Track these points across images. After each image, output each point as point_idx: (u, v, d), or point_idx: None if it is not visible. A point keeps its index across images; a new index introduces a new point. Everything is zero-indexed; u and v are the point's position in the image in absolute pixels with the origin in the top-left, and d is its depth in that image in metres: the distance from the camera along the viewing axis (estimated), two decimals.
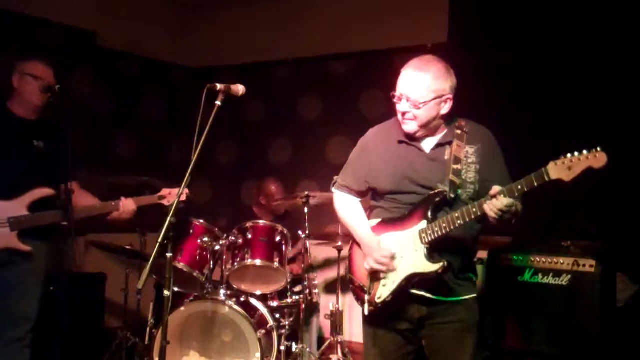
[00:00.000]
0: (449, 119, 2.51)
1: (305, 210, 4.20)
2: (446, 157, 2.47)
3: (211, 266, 3.83)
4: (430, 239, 2.40)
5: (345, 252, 3.94)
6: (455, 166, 2.43)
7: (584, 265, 3.56)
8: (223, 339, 3.75)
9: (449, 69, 2.45)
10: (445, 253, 2.41)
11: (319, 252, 5.05)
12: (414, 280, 2.43)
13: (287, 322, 3.95)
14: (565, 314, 3.56)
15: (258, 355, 3.57)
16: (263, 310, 3.81)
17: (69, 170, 3.00)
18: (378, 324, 2.58)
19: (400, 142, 2.53)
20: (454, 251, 2.45)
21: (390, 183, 2.52)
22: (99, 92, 5.34)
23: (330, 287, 5.17)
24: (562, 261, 3.63)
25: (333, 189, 2.78)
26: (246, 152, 6.03)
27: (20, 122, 3.22)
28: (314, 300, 4.18)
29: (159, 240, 2.30)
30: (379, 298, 2.49)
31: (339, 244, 4.40)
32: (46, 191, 3.14)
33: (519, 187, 2.21)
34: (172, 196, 3.41)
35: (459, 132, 2.48)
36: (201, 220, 3.91)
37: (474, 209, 2.30)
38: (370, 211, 2.69)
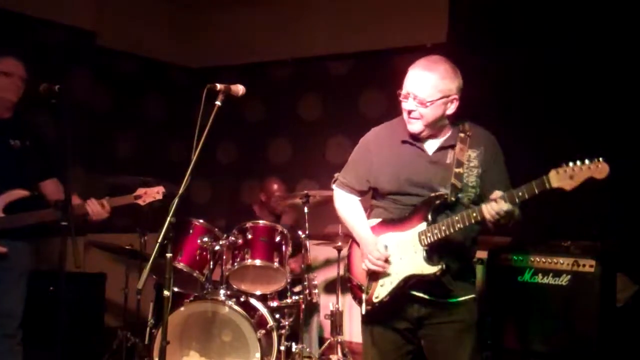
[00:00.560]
0: (454, 121, 2.52)
1: (305, 210, 4.20)
2: (448, 161, 2.47)
3: (211, 266, 3.83)
4: (429, 242, 2.40)
5: (345, 252, 3.93)
6: (457, 170, 2.43)
7: (583, 266, 3.56)
8: (223, 339, 3.75)
9: (455, 69, 2.46)
10: (444, 255, 2.42)
11: (319, 252, 5.05)
12: (412, 281, 2.43)
13: (287, 322, 3.94)
14: (565, 314, 3.56)
15: (258, 355, 3.57)
16: (263, 310, 3.81)
17: (47, 168, 2.94)
18: (376, 323, 2.58)
19: (404, 142, 2.54)
20: (452, 254, 2.45)
21: (392, 184, 2.53)
22: (99, 92, 5.34)
23: (330, 287, 5.17)
24: (562, 261, 3.63)
25: (334, 187, 2.78)
26: (246, 152, 6.03)
27: None
28: (314, 300, 4.18)
29: (159, 240, 2.30)
30: (376, 298, 2.50)
31: (339, 244, 4.40)
32: (22, 192, 3.12)
33: (520, 193, 2.21)
34: (148, 195, 3.37)
35: (462, 135, 2.49)
36: (201, 220, 3.91)
37: (474, 214, 2.30)
38: (370, 210, 2.69)
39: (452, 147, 2.48)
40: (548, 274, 3.66)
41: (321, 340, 4.80)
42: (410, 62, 2.50)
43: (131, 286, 4.31)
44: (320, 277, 5.03)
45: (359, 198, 2.71)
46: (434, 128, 2.48)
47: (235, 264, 3.83)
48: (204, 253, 3.83)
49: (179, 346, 3.71)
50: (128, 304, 4.33)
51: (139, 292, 2.37)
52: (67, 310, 2.99)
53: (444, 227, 2.36)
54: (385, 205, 2.59)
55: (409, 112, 2.45)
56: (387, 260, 2.46)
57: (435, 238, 2.38)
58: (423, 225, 2.42)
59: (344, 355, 4.35)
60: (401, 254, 2.46)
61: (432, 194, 2.44)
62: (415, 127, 2.46)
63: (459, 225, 2.33)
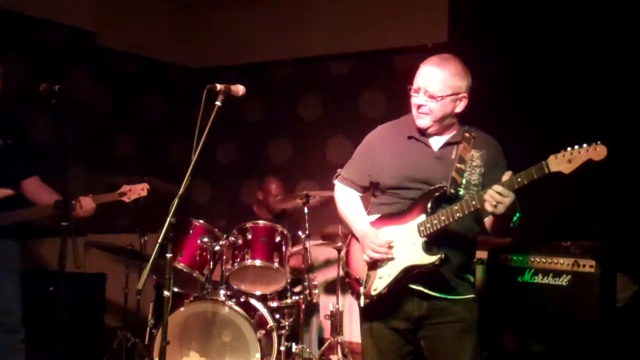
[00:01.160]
0: (461, 122, 2.54)
1: (305, 210, 4.20)
2: (452, 157, 2.50)
3: (211, 266, 3.83)
4: (428, 232, 2.40)
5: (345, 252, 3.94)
6: (458, 165, 2.45)
7: (583, 266, 3.56)
8: (223, 339, 3.75)
9: (466, 69, 2.50)
10: (444, 248, 2.41)
11: (319, 252, 5.05)
12: (411, 273, 2.43)
13: (287, 323, 3.95)
14: (565, 315, 3.56)
15: (258, 355, 3.57)
16: (263, 310, 3.81)
17: (30, 166, 2.92)
18: (374, 319, 2.57)
19: (410, 137, 2.56)
20: (452, 247, 2.45)
21: (394, 178, 2.54)
22: (99, 92, 5.34)
23: (330, 288, 5.17)
24: (562, 261, 3.63)
25: (335, 181, 2.78)
26: (246, 152, 6.03)
27: None
28: (314, 300, 4.18)
29: (159, 240, 2.30)
30: (374, 290, 2.49)
31: (339, 244, 4.40)
32: (6, 192, 3.12)
33: (519, 179, 2.22)
34: (132, 192, 3.39)
35: (467, 135, 2.52)
36: (201, 221, 3.91)
37: (473, 202, 2.31)
38: (370, 207, 2.70)
39: (457, 143, 2.51)
40: (548, 274, 3.66)
41: (321, 341, 4.80)
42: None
43: (131, 286, 4.31)
44: (320, 278, 5.03)
45: (360, 194, 2.72)
46: (442, 125, 2.50)
47: (235, 264, 3.83)
48: (204, 253, 3.84)
49: (179, 346, 3.71)
50: (128, 304, 4.34)
51: (139, 292, 2.36)
52: (67, 310, 2.99)
53: (443, 217, 2.36)
54: (385, 200, 2.59)
55: (419, 106, 2.48)
56: (389, 247, 2.46)
57: (435, 229, 2.38)
58: (422, 217, 2.43)
59: (344, 355, 4.35)
60: (400, 245, 2.46)
61: (432, 187, 2.46)
62: (424, 122, 2.49)
63: (458, 214, 2.33)
